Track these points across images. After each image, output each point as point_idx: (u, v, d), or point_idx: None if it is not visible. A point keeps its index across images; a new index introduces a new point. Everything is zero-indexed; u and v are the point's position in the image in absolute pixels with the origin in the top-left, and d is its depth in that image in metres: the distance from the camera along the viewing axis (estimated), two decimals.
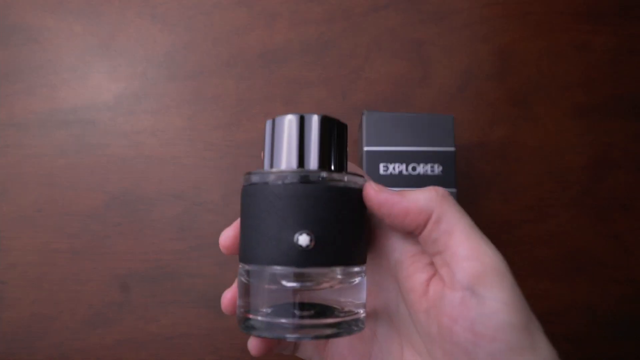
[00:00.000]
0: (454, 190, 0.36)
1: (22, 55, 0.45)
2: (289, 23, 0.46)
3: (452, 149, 0.36)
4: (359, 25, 0.47)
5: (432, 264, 0.22)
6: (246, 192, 0.22)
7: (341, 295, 0.21)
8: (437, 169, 0.36)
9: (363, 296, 0.22)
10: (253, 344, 0.24)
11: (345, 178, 0.22)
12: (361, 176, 0.23)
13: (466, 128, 0.46)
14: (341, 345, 0.25)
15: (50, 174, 0.44)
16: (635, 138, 0.46)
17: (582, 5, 0.47)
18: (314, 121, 0.22)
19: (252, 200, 0.21)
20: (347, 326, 0.21)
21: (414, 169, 0.35)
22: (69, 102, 0.45)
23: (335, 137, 0.23)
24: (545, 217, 0.45)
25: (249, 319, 0.21)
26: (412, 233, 0.22)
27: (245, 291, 0.22)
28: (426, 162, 0.36)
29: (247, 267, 0.22)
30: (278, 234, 0.20)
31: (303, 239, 0.20)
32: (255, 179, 0.22)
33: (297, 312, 0.20)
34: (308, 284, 0.20)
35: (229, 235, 0.24)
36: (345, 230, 0.21)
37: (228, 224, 0.44)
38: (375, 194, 0.22)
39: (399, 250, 0.23)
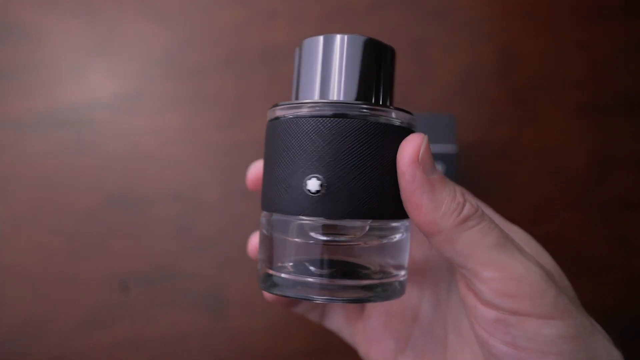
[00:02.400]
0: None
1: (18, 53, 0.45)
2: (288, 21, 0.46)
3: (453, 149, 0.35)
4: (358, 24, 0.46)
5: None
6: (271, 128, 0.18)
7: (379, 255, 0.18)
8: (439, 169, 0.35)
9: (405, 257, 0.19)
10: (269, 294, 0.21)
11: (393, 114, 0.18)
12: (409, 113, 0.18)
13: (467, 128, 0.45)
14: (377, 321, 0.22)
15: (47, 173, 0.44)
16: (639, 137, 0.45)
17: (584, 2, 0.46)
18: (355, 42, 0.18)
19: (278, 137, 0.18)
20: (383, 291, 0.18)
21: None
22: (65, 101, 0.45)
23: (381, 64, 0.18)
24: (548, 217, 0.45)
25: (270, 275, 0.18)
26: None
27: (267, 244, 0.18)
28: None
29: (269, 216, 0.19)
30: (288, 177, 0.17)
31: (312, 184, 0.17)
32: (281, 112, 0.18)
33: (326, 270, 0.17)
34: (341, 238, 0.17)
35: (254, 171, 0.21)
36: (388, 177, 0.17)
37: (228, 224, 0.44)
38: (407, 163, 0.17)
39: None
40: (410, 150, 0.17)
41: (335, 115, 0.17)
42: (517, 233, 0.22)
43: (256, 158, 0.45)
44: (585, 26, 0.46)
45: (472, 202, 0.18)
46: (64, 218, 0.44)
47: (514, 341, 0.17)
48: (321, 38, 0.18)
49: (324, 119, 0.17)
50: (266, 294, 0.21)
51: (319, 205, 0.17)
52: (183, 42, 0.46)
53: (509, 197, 0.45)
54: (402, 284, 0.19)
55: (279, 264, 0.18)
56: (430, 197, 0.17)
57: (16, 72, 0.45)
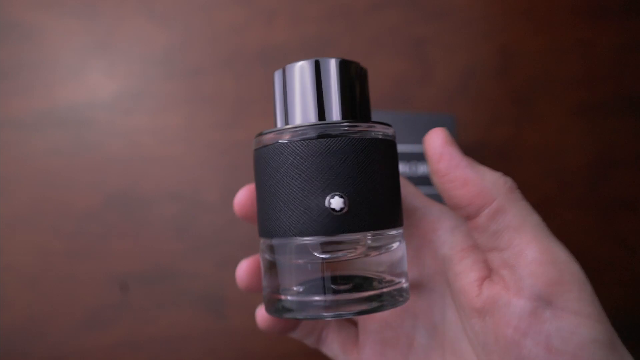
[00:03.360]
0: None
1: (17, 53, 0.45)
2: (288, 21, 0.46)
3: None
4: (358, 24, 0.46)
5: (486, 261, 0.19)
6: (260, 156, 0.19)
7: (379, 264, 0.18)
8: None
9: (404, 263, 0.19)
10: (260, 318, 0.21)
11: (373, 128, 0.18)
12: (389, 125, 0.19)
13: (467, 127, 0.45)
14: (371, 350, 0.21)
15: (47, 173, 0.44)
16: (639, 137, 0.45)
17: (584, 2, 0.46)
18: (332, 66, 0.19)
19: (268, 164, 0.18)
20: (391, 297, 0.18)
21: (414, 169, 0.35)
22: (65, 100, 0.45)
23: (356, 83, 0.19)
24: (548, 217, 0.44)
25: (279, 300, 0.18)
26: (464, 214, 0.18)
27: (271, 269, 0.19)
28: (427, 162, 0.35)
29: (269, 241, 0.19)
30: (304, 199, 0.17)
31: (336, 202, 0.17)
32: (269, 139, 0.18)
33: (331, 286, 0.17)
34: (340, 253, 0.18)
35: (244, 194, 0.21)
36: (379, 188, 0.18)
37: (227, 224, 0.44)
38: (441, 145, 0.18)
39: (448, 243, 0.20)
40: (441, 135, 0.18)
41: (324, 135, 0.18)
42: None
43: None
44: (585, 26, 0.46)
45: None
46: (64, 218, 0.44)
47: (547, 341, 0.16)
48: (303, 63, 0.19)
49: (335, 139, 0.17)
50: (258, 321, 0.22)
51: (342, 222, 0.17)
52: (183, 42, 0.46)
53: None
54: (407, 290, 0.19)
55: (286, 288, 0.18)
56: (474, 169, 0.18)
57: (16, 72, 0.45)
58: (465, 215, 0.18)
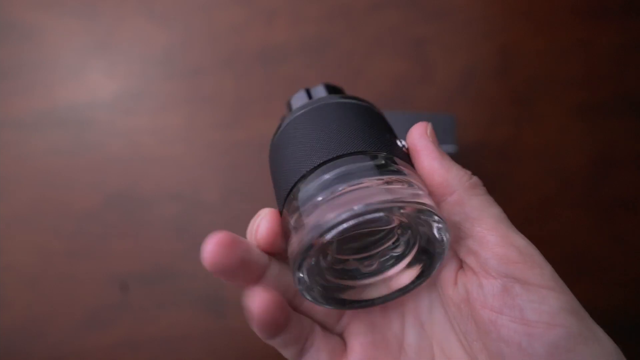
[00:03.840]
0: None
1: (18, 53, 0.45)
2: (288, 21, 0.46)
3: (453, 148, 0.35)
4: (358, 24, 0.46)
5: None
6: (274, 144, 0.21)
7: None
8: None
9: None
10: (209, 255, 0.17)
11: (351, 96, 0.22)
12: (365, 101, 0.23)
13: (467, 127, 0.45)
14: (362, 356, 0.21)
15: (47, 173, 0.44)
16: (639, 137, 0.45)
17: (584, 2, 0.46)
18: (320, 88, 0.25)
19: (281, 143, 0.21)
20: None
21: None
22: (65, 100, 0.45)
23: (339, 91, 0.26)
24: (548, 217, 0.44)
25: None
26: None
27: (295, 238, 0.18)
28: None
29: (285, 202, 0.19)
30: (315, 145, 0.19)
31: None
32: (276, 131, 0.22)
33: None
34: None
35: (268, 222, 0.18)
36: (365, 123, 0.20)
37: (227, 224, 0.44)
38: (419, 136, 0.20)
39: None
40: (421, 128, 0.20)
41: (322, 102, 0.22)
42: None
43: (256, 158, 0.45)
44: (585, 26, 0.46)
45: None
46: (64, 218, 0.44)
47: (522, 315, 0.17)
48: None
49: (317, 106, 0.21)
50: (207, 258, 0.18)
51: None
52: (183, 42, 0.45)
53: (509, 197, 0.45)
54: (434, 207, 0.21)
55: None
56: (441, 162, 0.19)
57: (16, 72, 0.45)
58: None
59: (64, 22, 0.45)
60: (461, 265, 0.19)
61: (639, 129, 0.45)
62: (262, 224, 0.19)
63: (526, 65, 0.46)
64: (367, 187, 0.17)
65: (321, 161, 0.18)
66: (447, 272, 0.20)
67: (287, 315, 0.19)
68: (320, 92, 0.25)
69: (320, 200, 0.17)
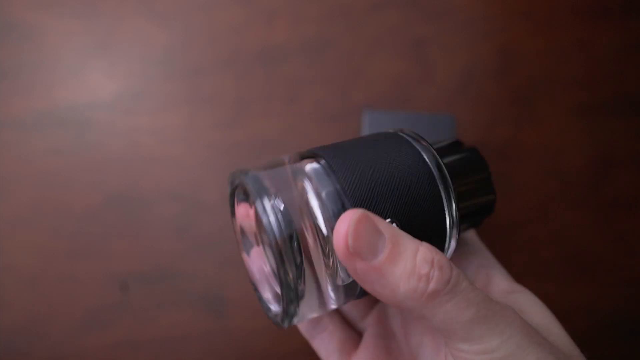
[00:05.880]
0: None
1: (17, 53, 0.45)
2: (288, 21, 0.46)
3: None
4: (358, 24, 0.46)
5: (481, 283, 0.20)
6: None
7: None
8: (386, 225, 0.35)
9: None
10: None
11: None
12: None
13: (467, 127, 0.45)
14: (373, 355, 0.20)
15: (47, 173, 0.44)
16: (639, 137, 0.45)
17: (584, 2, 0.46)
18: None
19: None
20: (282, 316, 0.17)
21: None
22: (65, 100, 0.45)
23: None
24: (548, 217, 0.44)
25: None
26: None
27: None
28: None
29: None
30: None
31: None
32: None
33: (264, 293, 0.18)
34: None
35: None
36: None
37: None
38: (346, 256, 0.15)
39: None
40: (340, 240, 0.15)
41: None
42: (523, 294, 0.20)
43: (256, 158, 0.45)
44: (585, 26, 0.46)
45: (443, 268, 0.15)
46: (64, 218, 0.44)
47: None
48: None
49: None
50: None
51: None
52: (183, 42, 0.45)
53: (509, 197, 0.45)
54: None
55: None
56: (382, 284, 0.15)
57: (16, 72, 0.45)
58: None
59: (64, 22, 0.45)
60: None
61: (639, 129, 0.45)
62: None
63: (526, 65, 0.46)
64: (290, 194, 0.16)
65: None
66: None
67: None
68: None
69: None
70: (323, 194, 0.16)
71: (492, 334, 0.15)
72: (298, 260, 0.15)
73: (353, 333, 0.22)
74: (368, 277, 0.15)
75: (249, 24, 0.46)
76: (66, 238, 0.43)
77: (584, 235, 0.44)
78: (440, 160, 0.18)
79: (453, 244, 0.19)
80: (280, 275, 0.15)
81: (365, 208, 0.17)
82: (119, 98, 0.45)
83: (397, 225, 0.17)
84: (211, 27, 0.46)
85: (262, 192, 0.16)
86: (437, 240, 0.18)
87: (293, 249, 0.15)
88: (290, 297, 0.16)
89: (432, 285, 0.15)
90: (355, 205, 0.17)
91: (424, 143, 0.19)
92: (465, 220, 0.20)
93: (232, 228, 0.17)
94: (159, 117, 0.45)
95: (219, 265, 0.44)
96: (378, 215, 0.17)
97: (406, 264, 0.15)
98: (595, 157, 0.45)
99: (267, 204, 0.15)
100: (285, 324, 0.17)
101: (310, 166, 0.17)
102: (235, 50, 0.46)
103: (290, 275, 0.15)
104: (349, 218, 0.15)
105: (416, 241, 0.16)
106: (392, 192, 0.17)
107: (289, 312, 0.16)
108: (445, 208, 0.18)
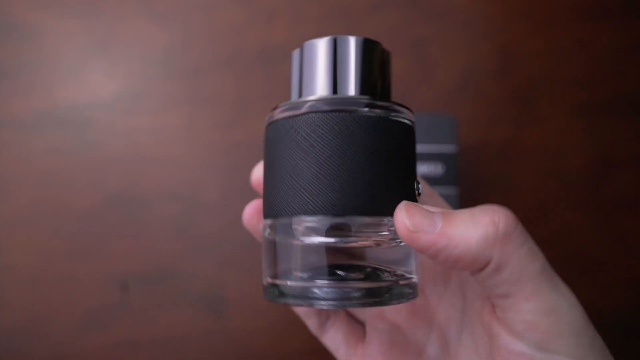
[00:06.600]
0: (456, 190, 0.35)
1: (17, 53, 0.45)
2: (288, 21, 0.46)
3: (453, 148, 0.35)
4: (358, 24, 0.46)
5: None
6: (271, 131, 0.18)
7: (390, 256, 0.16)
8: (438, 169, 0.35)
9: (416, 258, 0.18)
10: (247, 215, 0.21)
11: (394, 108, 0.17)
12: (408, 109, 0.18)
13: (467, 127, 0.45)
14: (377, 348, 0.21)
15: (47, 173, 0.44)
16: (639, 137, 0.45)
17: (584, 2, 0.46)
18: (352, 43, 0.18)
19: (279, 139, 0.17)
20: (399, 292, 0.16)
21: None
22: (65, 100, 0.45)
23: (378, 63, 0.18)
24: (548, 218, 0.44)
25: (275, 285, 0.17)
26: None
27: (271, 252, 0.17)
28: (427, 162, 0.35)
29: (272, 221, 0.17)
30: (313, 179, 0.16)
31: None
32: (282, 112, 0.17)
33: (338, 273, 0.16)
34: (349, 239, 0.16)
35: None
36: (396, 170, 0.16)
37: (227, 224, 0.44)
38: (412, 238, 0.16)
39: None
40: (401, 226, 0.16)
41: (338, 109, 0.16)
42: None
43: (256, 158, 0.45)
44: (585, 26, 0.46)
45: (506, 213, 0.16)
46: (64, 218, 0.44)
47: None
48: (322, 39, 0.18)
49: (348, 114, 0.16)
50: (245, 217, 0.21)
51: (329, 202, 0.16)
52: (183, 42, 0.45)
53: (509, 197, 0.45)
54: (416, 286, 0.17)
55: (286, 273, 0.17)
56: (453, 246, 0.16)
57: (16, 72, 0.45)
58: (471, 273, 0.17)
59: (64, 22, 0.45)
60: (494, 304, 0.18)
61: (639, 129, 0.45)
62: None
63: (526, 65, 0.46)
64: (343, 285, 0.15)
65: (331, 216, 0.16)
66: (486, 305, 0.18)
67: None
68: (351, 55, 0.18)
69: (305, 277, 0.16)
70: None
71: (558, 294, 0.16)
72: None
73: (357, 325, 0.22)
74: (437, 246, 0.16)
75: (249, 24, 0.46)
76: (66, 238, 0.43)
77: (584, 235, 0.44)
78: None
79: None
80: None
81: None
82: (119, 98, 0.45)
83: (419, 184, 0.18)
84: (211, 27, 0.46)
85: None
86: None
87: None
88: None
89: (501, 228, 0.15)
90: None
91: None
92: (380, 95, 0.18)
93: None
94: (159, 117, 0.45)
95: (219, 265, 0.43)
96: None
97: (465, 219, 0.16)
98: (595, 157, 0.45)
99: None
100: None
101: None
102: (235, 50, 0.46)
103: None
104: (397, 209, 0.16)
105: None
106: (386, 174, 0.17)
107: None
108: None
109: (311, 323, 0.22)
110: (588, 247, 0.44)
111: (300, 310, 0.22)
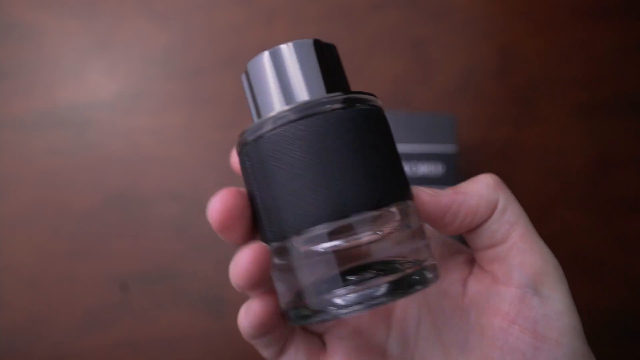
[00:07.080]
0: None
1: (17, 53, 0.45)
2: (288, 21, 0.46)
3: (453, 148, 0.35)
4: (358, 24, 0.46)
5: (466, 262, 0.20)
6: (245, 155, 0.17)
7: (402, 246, 0.16)
8: (438, 169, 0.35)
9: (426, 243, 0.17)
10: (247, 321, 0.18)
11: (359, 98, 0.17)
12: (371, 94, 0.18)
13: (467, 127, 0.45)
14: (342, 358, 0.20)
15: (47, 173, 0.44)
16: (639, 137, 0.45)
17: (584, 2, 0.46)
18: (287, 51, 0.17)
19: (257, 163, 0.16)
20: (422, 277, 0.16)
21: (414, 169, 0.35)
22: (65, 100, 0.45)
23: (325, 60, 0.18)
24: (548, 218, 0.44)
25: (295, 308, 0.16)
26: (468, 230, 0.19)
27: (281, 277, 0.17)
28: (427, 162, 0.35)
29: (276, 246, 0.17)
30: (306, 188, 0.16)
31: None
32: (250, 135, 0.17)
33: (352, 278, 0.15)
34: (358, 236, 0.16)
35: (222, 201, 0.17)
36: (385, 156, 0.17)
37: None
38: (434, 201, 0.18)
39: None
40: (424, 196, 0.18)
41: (316, 112, 0.16)
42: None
43: None
44: (585, 26, 0.46)
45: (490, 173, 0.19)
46: (64, 218, 0.44)
47: (534, 327, 0.17)
48: (265, 53, 0.18)
49: (320, 116, 0.16)
50: (245, 325, 0.19)
51: (337, 205, 0.16)
52: (183, 42, 0.46)
53: None
54: (435, 268, 0.17)
55: (301, 292, 0.16)
56: (471, 195, 0.18)
57: (16, 72, 0.45)
58: (476, 228, 0.18)
59: (64, 22, 0.45)
60: (471, 271, 0.19)
61: (639, 129, 0.45)
62: (243, 259, 0.17)
63: (526, 65, 0.46)
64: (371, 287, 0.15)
65: (327, 224, 0.16)
66: (450, 283, 0.19)
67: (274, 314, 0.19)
68: (309, 71, 0.18)
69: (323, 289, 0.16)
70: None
71: (542, 243, 0.18)
72: None
73: (315, 339, 0.21)
74: (457, 200, 0.18)
75: (249, 24, 0.46)
76: (66, 238, 0.43)
77: (584, 235, 0.44)
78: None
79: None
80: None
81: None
82: (119, 98, 0.45)
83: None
84: (211, 27, 0.46)
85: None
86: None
87: None
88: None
89: (495, 178, 0.18)
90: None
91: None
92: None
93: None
94: (159, 117, 0.45)
95: (219, 265, 0.44)
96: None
97: (466, 182, 0.19)
98: (595, 157, 0.45)
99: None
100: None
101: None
102: (235, 50, 0.46)
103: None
104: (416, 190, 0.18)
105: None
106: (384, 164, 0.17)
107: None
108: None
109: (268, 354, 0.20)
110: (588, 247, 0.44)
111: (256, 341, 0.20)
